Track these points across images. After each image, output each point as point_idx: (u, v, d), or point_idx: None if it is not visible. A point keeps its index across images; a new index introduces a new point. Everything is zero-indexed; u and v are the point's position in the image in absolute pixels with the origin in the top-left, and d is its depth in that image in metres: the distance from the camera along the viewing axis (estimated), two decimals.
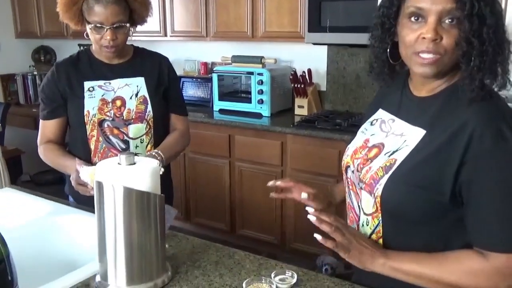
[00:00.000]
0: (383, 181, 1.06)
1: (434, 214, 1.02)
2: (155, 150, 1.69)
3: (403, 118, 1.13)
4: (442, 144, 0.99)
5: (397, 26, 1.07)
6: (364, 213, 1.14)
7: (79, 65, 1.76)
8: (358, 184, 1.15)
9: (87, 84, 1.72)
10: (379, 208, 1.08)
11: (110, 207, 1.06)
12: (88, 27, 1.64)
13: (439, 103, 1.05)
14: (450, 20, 0.96)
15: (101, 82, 1.74)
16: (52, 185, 4.02)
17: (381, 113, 1.22)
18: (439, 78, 1.05)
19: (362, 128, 1.26)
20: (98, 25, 1.60)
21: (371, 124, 1.23)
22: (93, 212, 1.12)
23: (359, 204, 1.16)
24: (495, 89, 1.02)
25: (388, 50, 1.11)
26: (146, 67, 1.80)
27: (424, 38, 0.97)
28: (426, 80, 1.07)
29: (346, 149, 1.26)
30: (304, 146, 2.94)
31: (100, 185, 1.07)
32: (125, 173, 1.06)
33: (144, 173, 1.07)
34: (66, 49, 4.73)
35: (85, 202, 1.56)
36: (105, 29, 1.61)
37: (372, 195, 1.09)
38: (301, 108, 3.36)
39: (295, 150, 2.98)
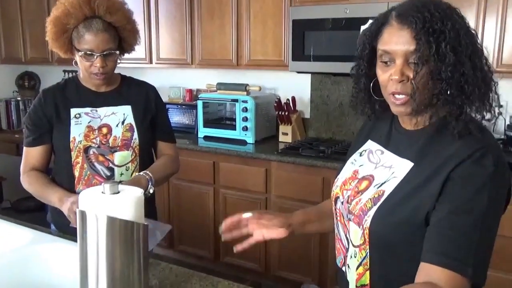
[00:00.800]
0: (371, 212, 1.07)
1: (420, 246, 1.01)
2: (144, 171, 1.69)
3: (392, 150, 1.15)
4: (429, 177, 1.01)
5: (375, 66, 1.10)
6: (353, 245, 1.14)
7: (66, 92, 1.76)
8: (347, 215, 1.15)
9: (73, 111, 1.73)
10: (367, 239, 1.08)
11: (93, 236, 1.06)
12: (77, 54, 1.65)
13: (427, 136, 1.08)
14: (415, 62, 1.00)
15: (87, 109, 1.74)
16: (33, 212, 3.94)
17: (370, 144, 1.24)
18: (419, 114, 1.07)
19: (351, 159, 1.26)
20: (89, 52, 1.62)
21: (360, 155, 1.24)
22: (76, 241, 1.11)
23: (347, 235, 1.16)
24: (483, 122, 1.05)
25: (370, 87, 1.14)
26: (133, 95, 1.81)
27: (392, 79, 1.02)
28: (409, 118, 1.10)
29: (335, 180, 1.26)
30: (288, 173, 2.96)
31: (83, 214, 1.06)
32: (109, 202, 1.06)
33: (128, 202, 1.07)
34: (50, 75, 4.72)
35: (68, 231, 1.55)
36: (95, 56, 1.62)
37: (361, 226, 1.09)
38: (285, 135, 3.39)
39: (279, 177, 2.99)
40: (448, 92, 0.99)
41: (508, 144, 2.56)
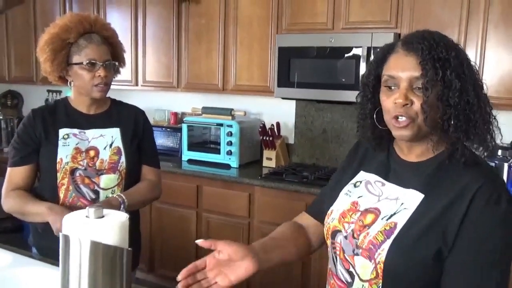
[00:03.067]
0: (386, 246, 1.04)
1: (435, 281, 1.02)
2: (118, 193, 1.69)
3: (394, 182, 1.14)
4: (444, 208, 1.01)
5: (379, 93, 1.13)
6: (360, 279, 1.09)
7: (56, 113, 1.77)
8: (353, 250, 1.11)
9: (62, 132, 1.73)
10: (380, 274, 1.05)
11: (76, 260, 1.05)
12: (77, 68, 1.67)
13: (434, 167, 1.09)
14: (418, 87, 1.03)
15: (76, 131, 1.74)
16: (11, 233, 3.87)
17: (364, 175, 1.22)
18: (419, 141, 1.09)
19: (344, 190, 1.23)
20: (93, 61, 1.66)
21: (355, 186, 1.22)
22: (57, 265, 1.09)
23: (352, 270, 1.12)
24: (482, 156, 1.07)
25: (374, 115, 1.16)
26: (122, 118, 1.83)
27: (396, 103, 1.04)
28: (411, 145, 1.12)
29: (329, 212, 1.22)
30: (271, 198, 2.96)
31: (66, 238, 1.05)
32: (93, 227, 1.05)
33: (112, 227, 1.07)
34: (34, 95, 4.70)
35: (50, 255, 1.52)
36: (98, 66, 1.66)
37: (372, 261, 1.06)
38: (269, 160, 3.41)
39: (263, 202, 3.00)
40: (458, 119, 1.01)
41: None
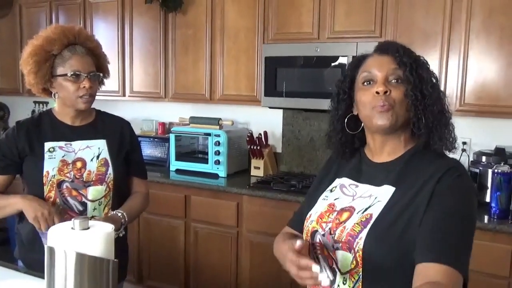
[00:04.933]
0: (363, 234, 1.12)
1: (411, 263, 1.08)
2: (120, 211, 1.70)
3: (366, 182, 1.24)
4: (414, 195, 1.12)
5: (353, 96, 1.24)
6: (341, 273, 1.16)
7: (41, 125, 1.76)
8: (333, 245, 1.18)
9: (47, 145, 1.72)
10: (359, 262, 1.12)
11: (61, 272, 1.05)
12: (62, 79, 1.67)
13: (403, 164, 1.20)
14: (395, 79, 1.17)
15: (62, 143, 1.74)
16: None
17: (339, 181, 1.31)
18: (393, 134, 1.20)
19: (322, 196, 1.31)
20: (77, 72, 1.66)
21: (331, 191, 1.30)
22: (43, 277, 1.09)
23: (335, 266, 1.18)
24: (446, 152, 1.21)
25: (345, 121, 1.27)
26: (108, 130, 1.82)
27: (377, 92, 1.16)
28: (385, 140, 1.22)
29: (308, 216, 1.29)
30: (259, 207, 2.97)
31: (51, 250, 1.05)
32: (78, 238, 1.05)
33: (98, 238, 1.07)
34: (20, 106, 4.67)
35: (36, 268, 1.51)
36: (83, 78, 1.66)
37: (352, 251, 1.13)
38: (257, 169, 3.41)
39: (251, 211, 3.00)
40: (426, 111, 1.14)
41: (473, 179, 2.65)
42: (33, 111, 4.58)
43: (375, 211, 1.14)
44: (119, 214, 1.68)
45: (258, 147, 3.36)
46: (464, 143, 2.81)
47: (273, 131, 3.58)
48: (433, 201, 1.09)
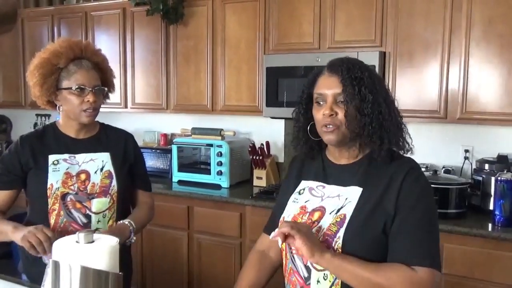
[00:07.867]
0: (341, 233, 1.22)
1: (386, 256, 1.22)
2: (128, 220, 1.71)
3: (332, 183, 1.35)
4: (382, 192, 1.25)
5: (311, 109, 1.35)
6: (317, 270, 1.25)
7: (45, 138, 1.76)
8: None
9: (52, 158, 1.72)
10: None
11: (66, 286, 1.04)
12: (66, 93, 1.68)
13: (364, 166, 1.31)
14: (341, 101, 1.27)
15: (66, 156, 1.74)
16: (0, 260, 3.81)
17: (306, 183, 1.41)
18: (346, 145, 1.32)
19: (292, 198, 1.41)
20: (82, 86, 1.66)
21: (300, 193, 1.40)
22: None
23: (309, 264, 1.26)
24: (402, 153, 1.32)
25: (308, 128, 1.38)
26: (112, 142, 1.83)
27: (324, 114, 1.27)
28: (340, 149, 1.34)
29: (281, 220, 1.37)
30: (262, 218, 2.93)
31: (56, 264, 1.05)
32: (83, 252, 1.05)
33: (102, 252, 1.07)
34: (23, 119, 4.69)
35: (40, 281, 1.50)
36: (87, 91, 1.67)
37: (330, 249, 1.22)
38: (260, 179, 3.41)
39: (254, 222, 2.99)
40: (371, 126, 1.24)
41: (475, 187, 2.64)
42: (36, 124, 4.59)
43: (348, 211, 1.25)
44: (126, 222, 1.69)
45: (260, 157, 3.36)
46: (466, 150, 2.82)
47: (275, 141, 3.59)
48: (401, 204, 1.22)
